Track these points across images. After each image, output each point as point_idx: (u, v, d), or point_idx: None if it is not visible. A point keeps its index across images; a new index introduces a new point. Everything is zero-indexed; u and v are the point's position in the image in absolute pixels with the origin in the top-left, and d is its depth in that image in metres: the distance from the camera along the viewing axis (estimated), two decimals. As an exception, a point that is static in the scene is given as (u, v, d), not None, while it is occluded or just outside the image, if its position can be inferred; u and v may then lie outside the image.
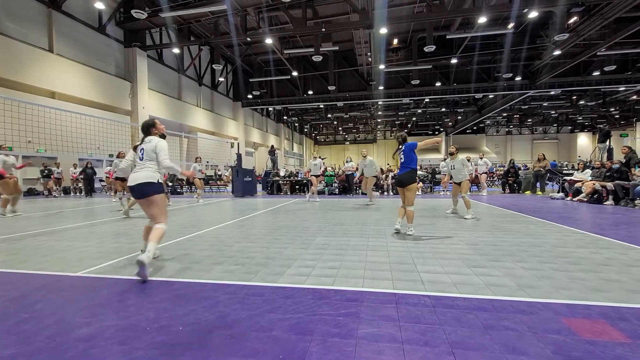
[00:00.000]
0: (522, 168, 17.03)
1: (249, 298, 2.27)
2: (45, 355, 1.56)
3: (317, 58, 15.91)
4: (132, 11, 13.04)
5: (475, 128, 43.01)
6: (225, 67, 27.12)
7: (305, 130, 49.35)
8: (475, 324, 1.84)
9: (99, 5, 15.40)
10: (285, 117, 39.37)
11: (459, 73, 24.46)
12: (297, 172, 15.49)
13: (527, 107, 33.26)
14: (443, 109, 34.21)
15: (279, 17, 19.23)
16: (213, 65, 19.94)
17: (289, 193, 14.27)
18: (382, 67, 20.22)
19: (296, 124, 44.77)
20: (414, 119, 40.14)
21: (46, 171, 13.60)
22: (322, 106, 32.59)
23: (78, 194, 14.99)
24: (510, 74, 20.66)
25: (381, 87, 24.77)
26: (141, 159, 3.01)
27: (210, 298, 2.28)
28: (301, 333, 1.75)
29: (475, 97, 28.17)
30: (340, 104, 28.72)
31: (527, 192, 12.31)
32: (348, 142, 53.00)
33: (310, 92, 27.89)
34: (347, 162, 13.14)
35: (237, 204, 9.61)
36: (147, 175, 2.92)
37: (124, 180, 7.64)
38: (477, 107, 32.58)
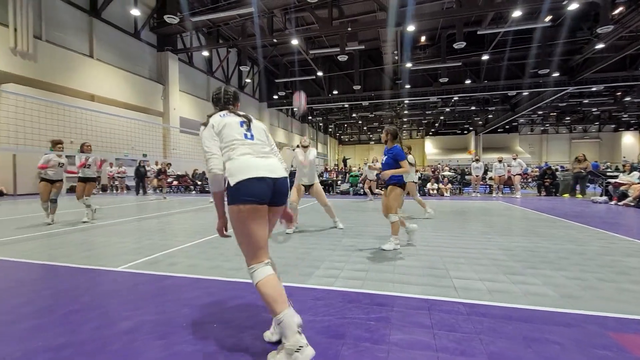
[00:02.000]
0: (559, 169, 16.11)
1: (279, 298, 2.29)
2: (92, 346, 1.65)
3: (343, 58, 15.87)
4: (165, 16, 13.59)
5: (507, 127, 41.17)
6: (252, 69, 27.66)
7: (330, 130, 49.38)
8: (515, 335, 1.76)
9: (135, 12, 16.19)
10: (309, 117, 39.59)
11: (491, 70, 23.55)
12: (322, 173, 15.53)
13: (565, 104, 31.41)
14: (473, 108, 33.07)
15: (305, 17, 19.37)
16: (240, 67, 20.42)
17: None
18: (409, 65, 19.85)
19: (320, 124, 44.89)
20: (441, 117, 39.09)
21: (87, 170, 14.47)
22: (346, 106, 32.49)
23: (115, 191, 15.84)
24: (547, 70, 19.56)
25: (408, 86, 24.33)
26: (250, 138, 1.78)
27: (241, 297, 2.32)
28: (333, 336, 1.75)
29: (508, 94, 26.94)
30: (365, 103, 28.49)
31: (566, 195, 11.62)
32: (373, 142, 52.47)
33: (335, 92, 27.88)
34: (373, 163, 12.99)
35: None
36: (282, 167, 1.79)
37: (87, 180, 6.16)
38: (510, 105, 31.20)
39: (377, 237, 4.43)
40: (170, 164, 17.35)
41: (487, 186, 13.62)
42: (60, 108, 10.88)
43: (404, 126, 46.20)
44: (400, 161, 3.67)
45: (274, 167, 1.70)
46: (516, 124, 41.58)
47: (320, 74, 24.25)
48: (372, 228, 5.23)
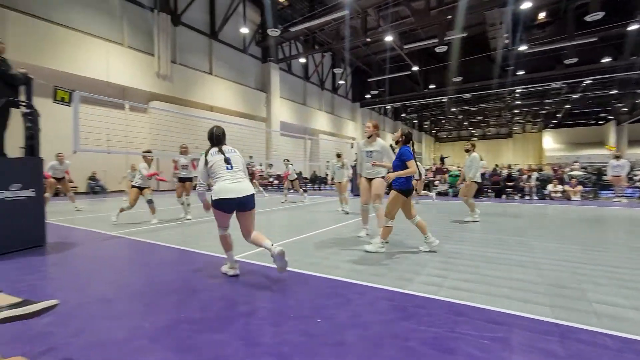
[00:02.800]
0: None
1: (378, 301, 2.26)
2: (218, 323, 1.92)
3: (441, 49, 14.79)
4: (268, 30, 14.94)
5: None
6: (345, 70, 28.18)
7: (425, 127, 46.73)
8: (699, 389, 1.33)
9: (244, 30, 18.29)
10: (403, 115, 38.21)
11: (641, 42, 18.54)
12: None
13: None
14: (614, 91, 26.68)
15: (399, 11, 18.74)
16: (334, 70, 21.09)
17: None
18: (523, 48, 17.25)
19: (415, 121, 42.89)
20: (566, 106, 32.75)
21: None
22: (445, 100, 30.17)
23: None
24: None
25: (521, 72, 21.17)
26: (229, 169, 2.75)
27: (341, 295, 2.37)
28: (440, 350, 1.62)
29: (669, 70, 20.75)
30: (467, 95, 25.97)
31: None
32: (476, 138, 47.51)
33: (431, 86, 26.23)
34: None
35: (357, 204, 9.83)
36: (247, 188, 2.76)
37: (185, 180, 6.69)
38: (672, 85, 24.07)
39: (485, 245, 3.96)
40: (267, 167, 19.00)
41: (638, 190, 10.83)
42: (189, 119, 13.06)
43: (515, 119, 40.40)
44: (406, 161, 3.58)
45: (240, 190, 2.72)
46: (682, 108, 31.76)
47: (415, 68, 23.13)
48: (479, 234, 4.71)
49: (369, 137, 4.42)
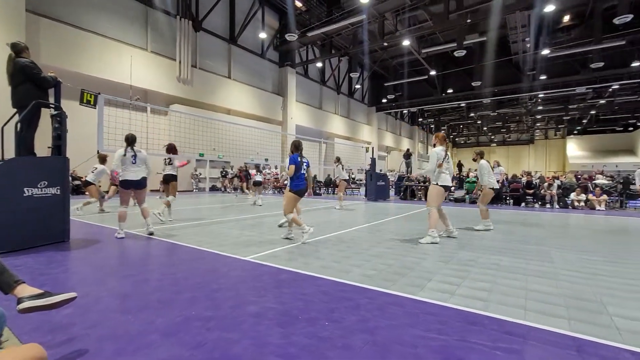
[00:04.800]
0: None
1: (388, 307, 2.23)
2: (229, 322, 1.95)
3: (460, 53, 14.58)
4: (286, 35, 15.17)
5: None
6: (362, 74, 28.16)
7: (442, 131, 45.97)
8: None
9: (262, 35, 18.59)
10: (420, 119, 37.77)
11: (674, 45, 17.73)
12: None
13: None
14: (643, 97, 25.50)
15: (418, 16, 18.62)
16: (350, 74, 21.10)
17: (423, 199, 13.56)
18: (545, 52, 16.79)
19: (432, 126, 42.32)
20: (592, 112, 31.54)
21: (224, 172, 17.36)
22: (463, 105, 29.64)
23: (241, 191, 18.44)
24: None
25: (543, 77, 20.57)
26: (134, 163, 4.52)
27: (350, 299, 2.36)
28: (449, 358, 1.59)
29: None
30: (486, 100, 25.42)
31: None
32: (495, 144, 46.37)
33: (449, 91, 25.84)
34: (495, 167, 11.43)
35: (371, 208, 9.77)
36: (140, 174, 4.58)
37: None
38: None
39: (502, 253, 3.86)
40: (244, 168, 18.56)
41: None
42: (206, 121, 13.35)
43: (537, 124, 39.19)
44: (289, 166, 4.49)
45: (135, 175, 4.52)
46: None
47: (433, 72, 22.86)
48: (495, 243, 4.59)
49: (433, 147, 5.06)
